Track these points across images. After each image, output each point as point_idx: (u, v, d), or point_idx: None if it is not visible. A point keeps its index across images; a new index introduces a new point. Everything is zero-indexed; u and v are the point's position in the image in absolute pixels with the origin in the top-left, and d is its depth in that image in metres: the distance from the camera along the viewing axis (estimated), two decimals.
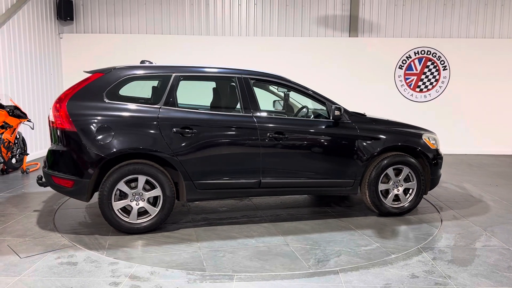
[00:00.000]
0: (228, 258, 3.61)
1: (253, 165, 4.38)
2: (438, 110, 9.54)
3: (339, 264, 3.54)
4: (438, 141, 5.11)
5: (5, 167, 6.67)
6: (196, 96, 5.35)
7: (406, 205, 4.82)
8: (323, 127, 4.64)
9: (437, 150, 4.98)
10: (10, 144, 6.64)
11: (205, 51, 9.28)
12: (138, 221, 4.12)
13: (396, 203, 4.81)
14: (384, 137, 4.74)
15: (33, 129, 7.51)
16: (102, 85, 4.15)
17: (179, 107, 4.33)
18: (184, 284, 3.12)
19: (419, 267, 3.47)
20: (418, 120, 9.48)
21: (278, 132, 4.42)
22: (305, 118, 4.89)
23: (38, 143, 8.35)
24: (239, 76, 4.54)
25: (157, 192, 4.12)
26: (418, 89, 9.58)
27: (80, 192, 4.04)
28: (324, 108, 4.72)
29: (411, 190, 4.84)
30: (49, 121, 4.23)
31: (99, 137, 3.98)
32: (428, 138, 4.97)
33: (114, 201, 4.05)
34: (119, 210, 4.07)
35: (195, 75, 4.62)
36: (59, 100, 4.07)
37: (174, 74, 4.35)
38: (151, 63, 4.61)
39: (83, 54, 9.33)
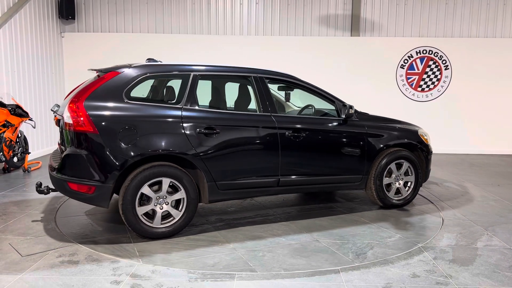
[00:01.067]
0: (270, 257, 3.63)
1: (273, 164, 4.42)
2: (440, 110, 9.52)
3: (376, 256, 3.71)
4: (429, 137, 5.44)
5: (7, 166, 6.69)
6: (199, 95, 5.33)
7: (406, 197, 5.12)
8: (336, 125, 4.80)
9: (428, 145, 5.34)
10: (12, 142, 6.65)
11: (207, 50, 9.28)
12: (162, 226, 3.96)
13: (397, 196, 5.09)
14: (388, 134, 5.03)
15: (34, 128, 7.53)
16: (120, 84, 3.94)
17: (200, 107, 4.22)
18: (185, 283, 3.12)
19: (420, 267, 3.46)
20: (419, 120, 9.47)
21: (296, 130, 4.51)
22: (319, 117, 4.96)
23: (39, 142, 8.36)
24: (255, 76, 4.57)
25: (181, 194, 3.98)
26: (419, 89, 9.56)
27: (101, 198, 3.80)
28: (333, 107, 4.90)
29: (409, 183, 5.15)
30: (64, 123, 3.87)
31: (124, 139, 3.78)
32: (423, 134, 5.34)
33: (138, 206, 3.85)
34: (143, 215, 3.89)
35: (213, 74, 4.52)
36: (75, 101, 3.80)
37: (192, 73, 4.25)
38: (156, 61, 4.42)
39: (84, 53, 9.34)
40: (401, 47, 9.46)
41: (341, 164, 4.80)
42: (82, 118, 3.73)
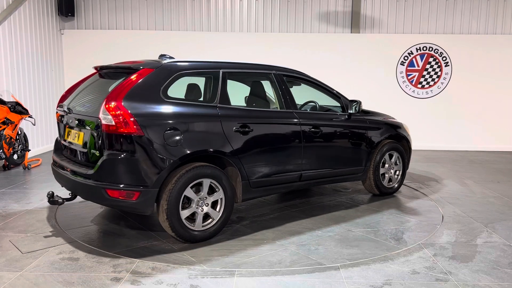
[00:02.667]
0: (324, 250, 3.74)
1: (296, 159, 4.51)
2: (440, 107, 9.52)
3: (414, 239, 4.02)
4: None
5: (7, 163, 6.69)
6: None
7: (396, 185, 5.62)
8: (344, 120, 5.06)
9: (410, 137, 5.87)
10: (12, 140, 6.65)
11: (207, 48, 9.27)
12: (203, 228, 3.85)
13: (389, 184, 5.53)
14: (384, 127, 5.43)
15: (34, 125, 7.52)
16: (156, 82, 3.73)
17: (232, 105, 4.16)
18: (185, 279, 3.13)
19: (420, 263, 3.47)
20: (419, 117, 9.51)
21: (315, 126, 4.65)
22: (331, 113, 5.12)
23: (39, 139, 8.35)
24: (275, 73, 4.62)
25: (218, 195, 3.89)
26: (419, 86, 9.56)
27: (146, 204, 3.58)
28: (336, 103, 5.16)
29: (397, 171, 5.61)
30: (102, 125, 3.52)
31: (169, 140, 3.60)
32: (406, 126, 5.84)
33: (181, 210, 3.70)
34: (185, 218, 3.74)
35: (238, 71, 4.44)
36: (113, 101, 3.51)
37: (221, 70, 4.17)
38: (170, 57, 4.27)
39: (84, 50, 9.32)
40: (401, 44, 9.45)
41: (350, 157, 5.09)
42: (126, 119, 3.46)
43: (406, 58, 9.48)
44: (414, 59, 9.47)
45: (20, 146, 6.95)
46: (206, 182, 3.80)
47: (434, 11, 9.48)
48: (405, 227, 4.35)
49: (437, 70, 9.47)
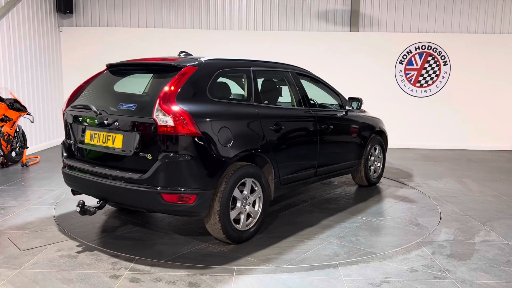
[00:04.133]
0: (366, 240, 3.94)
1: (314, 155, 4.64)
2: (438, 105, 9.53)
3: (432, 224, 4.41)
4: None
5: (5, 161, 6.67)
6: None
7: (380, 175, 6.07)
8: (344, 116, 5.27)
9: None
10: (10, 137, 6.63)
11: (206, 45, 9.24)
12: (247, 228, 3.80)
13: (374, 175, 5.91)
14: (371, 122, 5.77)
15: (32, 122, 7.50)
16: (202, 81, 3.63)
17: (264, 104, 4.18)
18: (184, 277, 3.13)
19: (418, 261, 3.48)
20: (418, 115, 9.52)
21: (326, 123, 4.83)
22: (335, 110, 5.30)
23: (38, 137, 8.34)
24: (291, 71, 4.74)
25: (258, 194, 3.86)
26: (418, 84, 9.56)
27: (202, 206, 3.44)
28: (334, 101, 5.36)
29: (379, 163, 6.00)
30: (158, 127, 3.31)
31: (222, 140, 3.53)
32: (383, 122, 6.20)
33: (231, 211, 3.62)
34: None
35: (264, 69, 4.47)
36: (169, 101, 3.33)
37: (251, 69, 4.16)
38: (190, 54, 4.19)
39: (82, 47, 9.30)
40: (400, 43, 9.45)
41: (350, 151, 5.36)
42: (185, 120, 3.32)
43: (405, 56, 9.48)
44: (413, 58, 9.47)
45: (18, 143, 6.94)
46: (249, 182, 3.76)
47: (433, 10, 9.49)
48: (413, 214, 4.75)
49: (436, 69, 9.48)
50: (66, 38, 9.31)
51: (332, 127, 4.87)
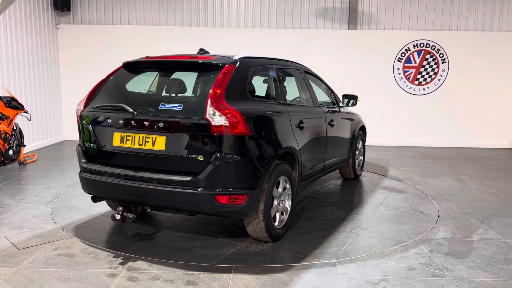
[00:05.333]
0: (387, 229, 4.16)
1: (323, 151, 4.76)
2: (437, 103, 9.53)
3: (433, 211, 4.79)
4: None
5: (2, 159, 6.65)
6: None
7: (362, 168, 6.41)
8: (339, 112, 5.39)
9: None
10: (7, 135, 6.61)
11: (204, 43, 9.18)
12: (282, 225, 3.83)
13: (358, 167, 6.24)
14: (357, 119, 6.05)
15: (30, 120, 7.48)
16: (241, 79, 3.58)
17: (288, 102, 4.25)
18: (181, 275, 3.12)
19: (416, 259, 3.48)
20: (416, 113, 9.51)
21: (331, 119, 4.99)
22: (334, 106, 5.40)
23: (35, 135, 8.31)
24: (300, 69, 4.85)
25: (288, 191, 3.88)
26: (416, 82, 9.56)
27: (251, 206, 3.41)
28: (327, 98, 5.48)
29: (361, 157, 6.31)
30: (211, 127, 3.21)
31: (266, 138, 3.54)
32: None
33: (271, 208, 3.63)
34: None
35: (283, 67, 4.49)
36: (220, 100, 3.26)
37: (275, 67, 4.22)
38: (208, 52, 4.12)
39: (80, 45, 9.27)
40: (399, 40, 9.44)
41: (345, 146, 5.55)
42: (238, 119, 3.26)
43: (403, 54, 9.47)
44: (411, 56, 9.46)
45: (15, 141, 6.91)
46: (282, 179, 3.77)
47: (431, 8, 9.47)
48: (410, 202, 5.08)
49: (434, 66, 9.48)
50: (64, 36, 9.28)
51: (335, 123, 5.05)
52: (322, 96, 5.39)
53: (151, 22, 9.43)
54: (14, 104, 6.68)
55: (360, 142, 6.17)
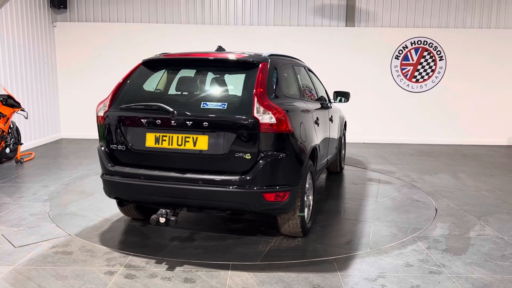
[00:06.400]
0: (398, 219, 4.38)
1: (327, 147, 4.85)
2: (434, 101, 9.53)
3: (426, 199, 5.12)
4: None
5: None
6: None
7: (344, 161, 6.59)
8: (334, 108, 5.56)
9: None
10: (4, 133, 6.58)
11: (201, 41, 9.19)
12: (309, 221, 3.94)
13: (343, 161, 6.49)
14: (342, 114, 6.25)
15: (27, 118, 7.45)
16: (274, 77, 3.61)
17: (305, 98, 4.33)
18: (179, 273, 3.12)
19: (413, 256, 3.48)
20: (414, 111, 9.52)
21: (331, 115, 5.16)
22: (329, 103, 5.45)
23: (32, 133, 8.28)
24: (305, 67, 4.99)
25: (311, 186, 3.96)
26: (414, 80, 9.56)
27: (292, 202, 3.45)
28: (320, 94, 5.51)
29: (343, 150, 6.51)
30: (259, 125, 3.22)
31: (303, 135, 3.60)
32: None
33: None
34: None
35: (295, 65, 4.55)
36: (264, 98, 3.28)
37: (291, 64, 4.31)
38: (225, 50, 4.09)
39: (77, 43, 9.23)
40: (396, 38, 9.43)
41: (338, 141, 5.71)
42: (284, 117, 3.28)
43: (400, 52, 9.48)
44: (408, 53, 9.47)
45: (12, 139, 6.89)
46: (309, 175, 3.82)
47: (429, 5, 9.47)
48: (402, 192, 5.36)
49: (432, 64, 9.48)
50: (60, 34, 9.23)
51: (333, 119, 5.25)
52: (319, 93, 5.41)
53: (148, 19, 9.40)
54: (10, 102, 6.66)
55: (343, 136, 6.32)
